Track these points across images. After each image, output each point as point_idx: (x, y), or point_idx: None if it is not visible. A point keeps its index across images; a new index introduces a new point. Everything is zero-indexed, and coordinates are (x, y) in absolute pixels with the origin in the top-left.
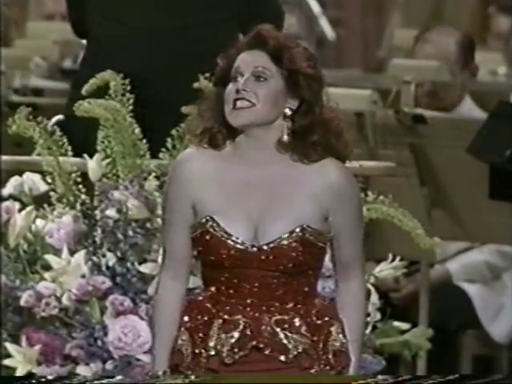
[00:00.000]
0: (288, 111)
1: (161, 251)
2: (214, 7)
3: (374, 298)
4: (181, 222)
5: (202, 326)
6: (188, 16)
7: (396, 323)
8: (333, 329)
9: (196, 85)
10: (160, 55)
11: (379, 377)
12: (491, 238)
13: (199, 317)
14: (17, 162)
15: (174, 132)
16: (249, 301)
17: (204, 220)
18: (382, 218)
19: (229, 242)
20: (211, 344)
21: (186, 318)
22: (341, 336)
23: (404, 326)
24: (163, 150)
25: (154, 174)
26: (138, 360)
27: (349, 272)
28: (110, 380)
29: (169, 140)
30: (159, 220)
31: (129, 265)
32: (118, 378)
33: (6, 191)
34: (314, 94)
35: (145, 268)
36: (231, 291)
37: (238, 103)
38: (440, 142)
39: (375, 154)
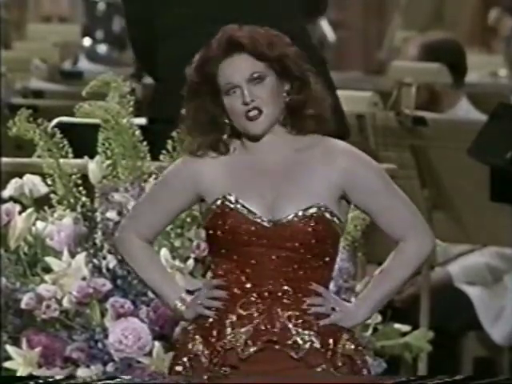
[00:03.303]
0: (286, 96)
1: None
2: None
3: None
4: (170, 202)
5: (215, 325)
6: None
7: (397, 325)
8: (343, 335)
9: None
10: None
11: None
12: (492, 241)
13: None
14: (17, 163)
15: (174, 134)
16: (262, 288)
17: (219, 197)
18: None
19: (246, 215)
20: (226, 340)
21: (197, 324)
22: (350, 342)
23: (405, 328)
24: (163, 152)
25: (154, 176)
26: (138, 362)
27: (402, 235)
28: (117, 380)
29: (169, 142)
30: None
31: None
32: (126, 377)
33: (7, 193)
34: (302, 70)
35: None
36: (243, 278)
37: (251, 114)
38: (441, 143)
39: (376, 155)
